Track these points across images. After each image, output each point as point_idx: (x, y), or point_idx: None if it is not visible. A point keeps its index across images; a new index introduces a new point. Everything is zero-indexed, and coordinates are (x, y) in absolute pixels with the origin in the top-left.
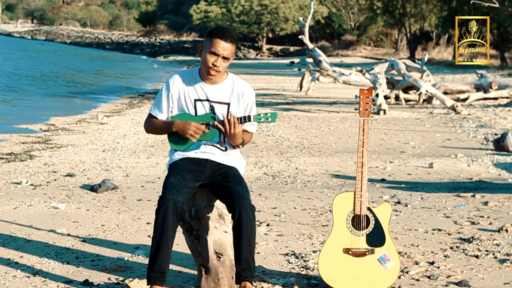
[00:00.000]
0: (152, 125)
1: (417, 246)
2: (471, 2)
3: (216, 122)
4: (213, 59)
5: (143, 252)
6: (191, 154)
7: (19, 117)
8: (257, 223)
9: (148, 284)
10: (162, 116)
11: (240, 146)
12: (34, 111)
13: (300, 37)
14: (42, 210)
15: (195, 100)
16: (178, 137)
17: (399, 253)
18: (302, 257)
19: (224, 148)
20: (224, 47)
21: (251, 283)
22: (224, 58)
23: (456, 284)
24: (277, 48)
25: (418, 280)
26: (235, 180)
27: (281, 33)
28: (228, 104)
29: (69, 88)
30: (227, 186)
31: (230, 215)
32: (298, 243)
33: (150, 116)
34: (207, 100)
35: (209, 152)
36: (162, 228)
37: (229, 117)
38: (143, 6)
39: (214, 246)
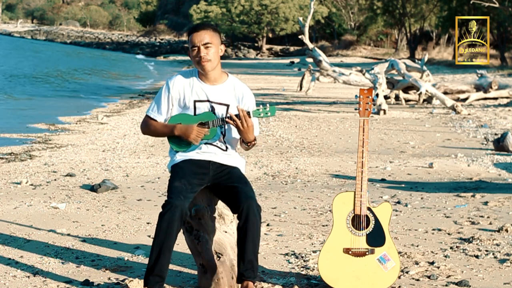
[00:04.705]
0: (150, 128)
1: (417, 246)
2: (471, 2)
3: (227, 119)
4: (195, 51)
5: (143, 252)
6: (193, 155)
7: (18, 117)
8: None
9: (144, 286)
10: (161, 118)
11: (254, 142)
12: (33, 111)
13: (300, 37)
14: (42, 210)
15: (195, 101)
16: (179, 139)
17: (399, 253)
18: (302, 257)
19: (224, 148)
20: (199, 37)
21: (253, 283)
22: (205, 45)
23: (456, 284)
24: (277, 48)
25: (418, 280)
26: (240, 180)
27: (281, 33)
28: (228, 106)
29: (69, 88)
30: (233, 186)
31: (230, 215)
32: (298, 243)
33: (148, 118)
34: (208, 100)
35: (211, 152)
36: (166, 233)
37: (236, 113)
38: (143, 6)
39: (214, 246)
